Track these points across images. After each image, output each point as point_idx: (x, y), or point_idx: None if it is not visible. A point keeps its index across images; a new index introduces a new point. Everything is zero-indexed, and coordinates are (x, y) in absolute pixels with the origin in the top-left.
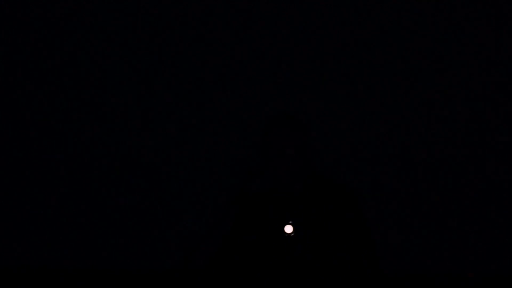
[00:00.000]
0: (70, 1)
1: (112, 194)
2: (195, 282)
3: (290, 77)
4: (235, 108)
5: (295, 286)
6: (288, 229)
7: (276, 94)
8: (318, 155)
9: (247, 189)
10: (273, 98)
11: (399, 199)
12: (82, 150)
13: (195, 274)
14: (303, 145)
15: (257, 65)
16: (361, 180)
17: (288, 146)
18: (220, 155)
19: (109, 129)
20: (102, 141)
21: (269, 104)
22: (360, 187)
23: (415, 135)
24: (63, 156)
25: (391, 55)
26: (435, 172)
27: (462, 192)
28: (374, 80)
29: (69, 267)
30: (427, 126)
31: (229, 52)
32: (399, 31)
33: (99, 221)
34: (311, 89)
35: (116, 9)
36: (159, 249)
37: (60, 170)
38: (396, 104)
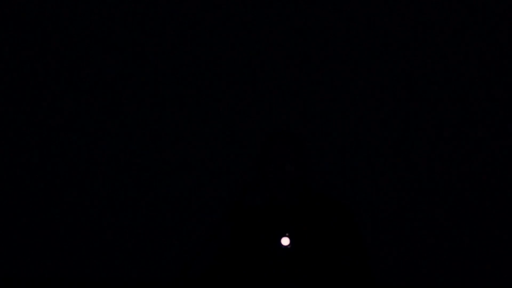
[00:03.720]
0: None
1: (108, 203)
2: None
3: (287, 91)
4: (232, 123)
5: None
6: (285, 241)
7: (273, 110)
8: (314, 170)
9: (243, 203)
10: (271, 114)
11: (395, 214)
12: (78, 160)
13: (191, 287)
14: (302, 162)
15: (255, 79)
16: (356, 194)
17: (288, 163)
18: (216, 169)
19: (106, 142)
20: (97, 160)
21: (267, 119)
22: (355, 202)
23: (411, 148)
24: (61, 161)
25: (387, 74)
26: (432, 186)
27: (457, 207)
28: (371, 94)
29: (65, 277)
30: (423, 140)
31: (227, 65)
32: (393, 49)
33: (94, 233)
34: (308, 104)
35: (123, 12)
36: (154, 261)
37: (56, 179)
38: (392, 117)
